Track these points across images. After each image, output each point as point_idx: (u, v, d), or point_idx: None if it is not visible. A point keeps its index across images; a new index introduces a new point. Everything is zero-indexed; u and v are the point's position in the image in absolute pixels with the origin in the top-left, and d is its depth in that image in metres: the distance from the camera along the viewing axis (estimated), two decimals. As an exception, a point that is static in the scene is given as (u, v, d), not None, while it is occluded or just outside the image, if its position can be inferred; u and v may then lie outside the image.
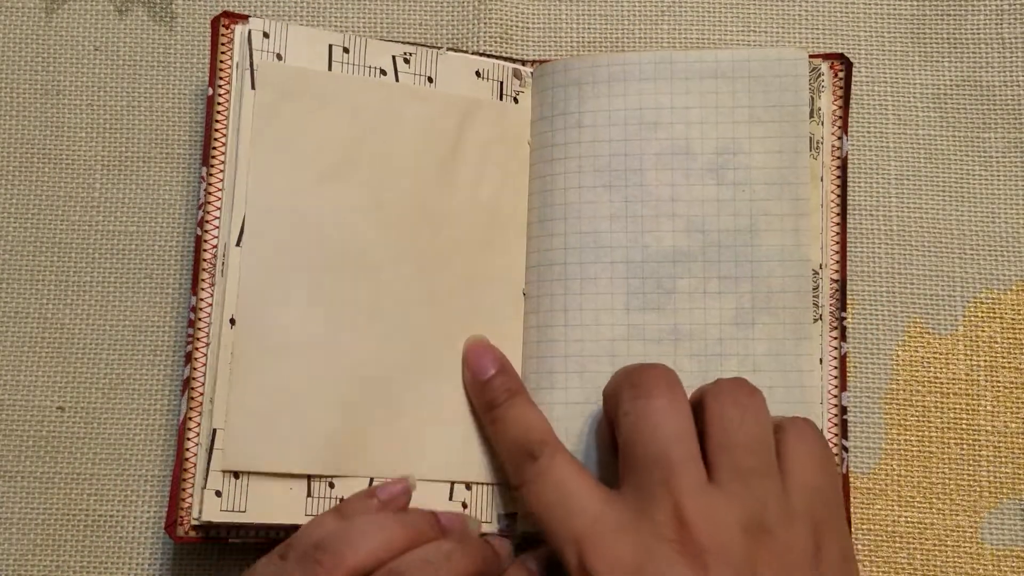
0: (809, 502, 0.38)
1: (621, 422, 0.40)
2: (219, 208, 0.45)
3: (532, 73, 0.48)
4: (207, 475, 0.43)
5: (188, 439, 0.44)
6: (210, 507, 0.43)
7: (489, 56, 0.48)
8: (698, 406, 0.40)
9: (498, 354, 0.45)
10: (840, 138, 0.46)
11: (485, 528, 0.45)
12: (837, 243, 0.46)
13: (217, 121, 0.45)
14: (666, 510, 0.37)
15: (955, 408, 0.47)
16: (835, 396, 0.45)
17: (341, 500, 0.44)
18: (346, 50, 0.46)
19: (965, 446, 0.47)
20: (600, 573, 0.37)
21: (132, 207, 0.49)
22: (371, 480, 0.44)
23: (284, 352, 0.44)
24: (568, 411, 0.45)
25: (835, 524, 0.39)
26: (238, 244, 0.44)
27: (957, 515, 0.46)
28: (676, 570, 0.36)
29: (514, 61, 0.49)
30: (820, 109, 0.46)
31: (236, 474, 0.43)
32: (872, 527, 0.46)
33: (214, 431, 0.43)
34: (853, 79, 0.48)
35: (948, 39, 0.50)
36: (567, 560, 0.38)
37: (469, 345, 0.46)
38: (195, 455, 0.44)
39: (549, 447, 0.42)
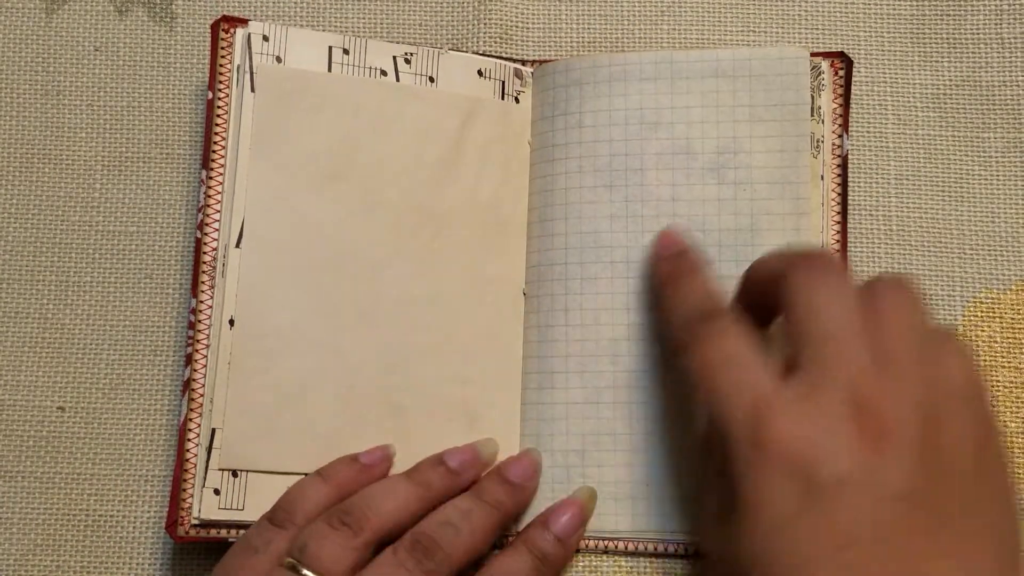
0: (967, 396, 0.37)
1: (793, 301, 0.38)
2: (219, 211, 0.45)
3: (533, 73, 0.48)
4: (206, 474, 0.43)
5: (189, 440, 0.44)
6: (208, 505, 0.43)
7: (489, 56, 0.49)
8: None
9: (680, 237, 0.45)
10: (840, 136, 0.46)
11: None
12: (838, 242, 0.46)
13: (217, 125, 0.45)
14: (844, 390, 0.36)
15: (955, 408, 0.47)
16: (835, 395, 0.45)
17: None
18: (346, 51, 0.47)
19: (965, 446, 0.47)
20: (778, 445, 0.35)
21: (132, 207, 0.49)
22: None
23: (283, 352, 0.44)
24: (569, 411, 0.45)
25: (991, 421, 0.38)
26: (237, 246, 0.44)
27: (957, 515, 0.46)
28: (854, 447, 0.35)
29: (514, 61, 0.49)
30: (820, 108, 0.46)
31: (235, 473, 0.44)
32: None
33: (213, 431, 0.44)
34: (853, 79, 0.48)
35: (948, 39, 0.50)
36: (735, 425, 0.37)
37: (662, 231, 0.45)
38: (196, 456, 0.44)
39: (730, 316, 0.40)
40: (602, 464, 0.45)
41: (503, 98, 0.48)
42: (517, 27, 0.50)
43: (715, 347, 0.39)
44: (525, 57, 0.50)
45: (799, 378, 0.37)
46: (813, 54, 0.46)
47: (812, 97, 0.46)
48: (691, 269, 0.43)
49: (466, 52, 0.49)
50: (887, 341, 0.37)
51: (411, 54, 0.47)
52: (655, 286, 0.45)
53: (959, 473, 0.36)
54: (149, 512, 0.46)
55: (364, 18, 0.50)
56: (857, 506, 0.34)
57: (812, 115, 0.46)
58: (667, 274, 0.44)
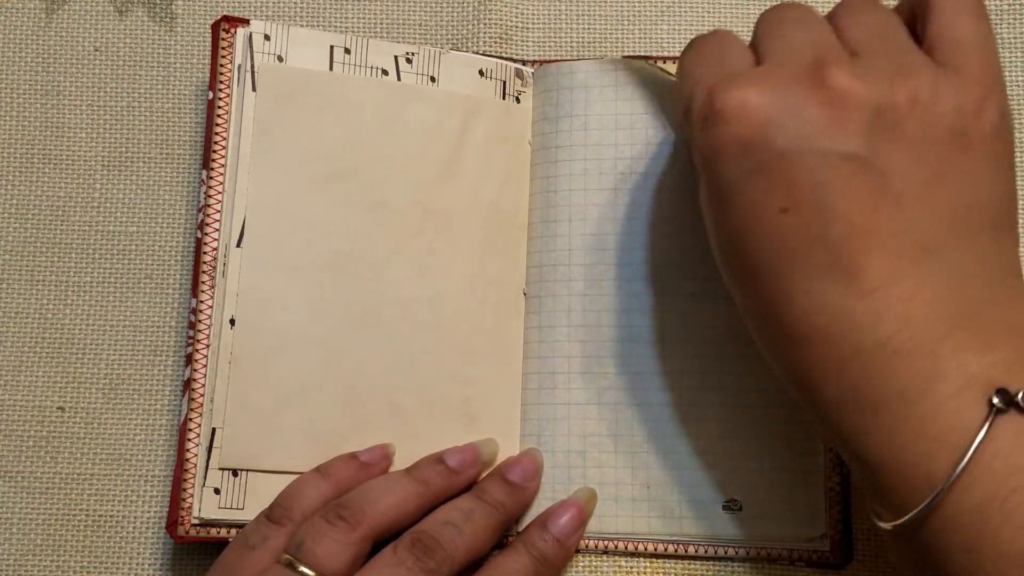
0: (967, 59, 0.36)
1: (760, 32, 0.38)
2: (219, 211, 0.45)
3: (533, 73, 0.48)
4: (206, 473, 0.43)
5: (189, 440, 0.44)
6: (208, 505, 0.43)
7: (490, 57, 0.49)
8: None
9: None
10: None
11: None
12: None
13: (217, 124, 0.45)
14: (806, 64, 0.35)
15: (954, 408, 0.47)
16: (836, 396, 0.45)
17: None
18: (347, 51, 0.47)
19: (964, 446, 0.47)
20: (729, 112, 0.35)
21: (132, 207, 0.49)
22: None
23: (283, 352, 0.44)
24: (570, 412, 0.45)
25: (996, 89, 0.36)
26: (239, 245, 0.44)
27: (956, 515, 0.46)
28: (807, 111, 0.34)
29: (514, 61, 0.49)
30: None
31: (235, 472, 0.44)
32: (872, 527, 0.46)
33: (213, 430, 0.44)
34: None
35: (947, 40, 0.50)
36: (696, 102, 0.36)
37: None
38: (196, 456, 0.44)
39: (726, 30, 0.40)
40: (602, 465, 0.45)
41: (504, 98, 0.48)
42: (517, 27, 0.50)
43: (703, 44, 0.39)
44: (525, 57, 0.50)
45: (766, 61, 0.36)
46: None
47: None
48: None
49: (466, 52, 0.49)
50: (856, 29, 0.37)
51: (412, 54, 0.47)
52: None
53: (926, 145, 0.34)
54: (149, 512, 0.46)
55: (364, 18, 0.50)
56: (802, 166, 0.34)
57: None
58: None
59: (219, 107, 0.46)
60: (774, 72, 0.35)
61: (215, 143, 0.45)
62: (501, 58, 0.49)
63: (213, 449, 0.44)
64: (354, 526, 0.40)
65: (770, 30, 0.38)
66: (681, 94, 0.38)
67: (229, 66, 0.46)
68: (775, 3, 0.50)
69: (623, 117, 0.46)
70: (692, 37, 0.40)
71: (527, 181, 0.48)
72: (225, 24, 0.46)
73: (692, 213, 0.46)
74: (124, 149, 0.49)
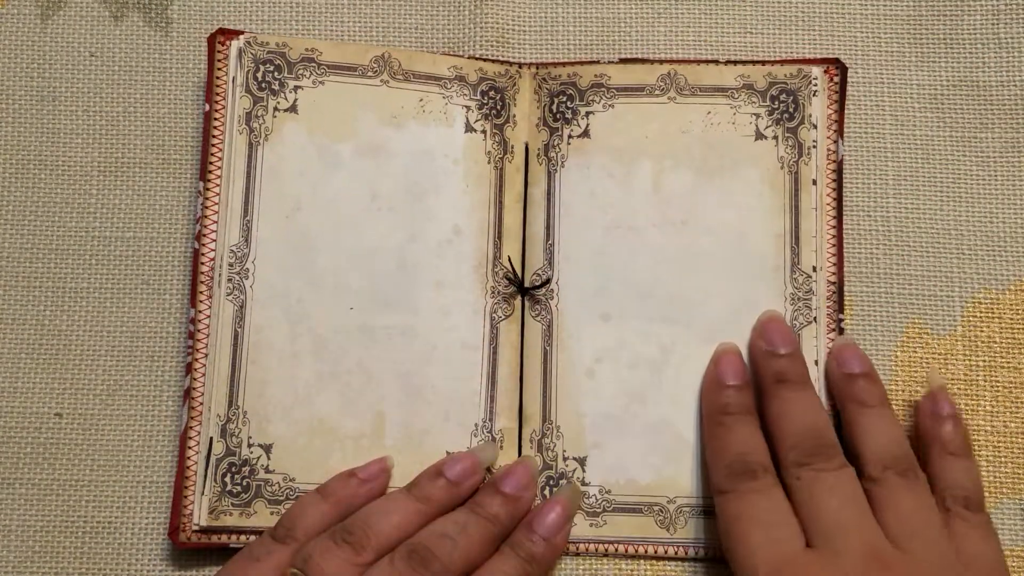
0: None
1: (796, 487, 0.42)
2: (216, 222, 0.45)
3: (533, 74, 0.48)
4: (205, 481, 0.43)
5: (189, 448, 0.44)
6: (209, 512, 0.43)
7: (485, 60, 0.48)
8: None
9: (743, 368, 0.45)
10: (836, 142, 0.46)
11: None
12: (833, 245, 0.46)
13: (214, 136, 0.45)
14: (861, 557, 0.39)
15: (954, 408, 0.47)
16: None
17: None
18: None
19: (964, 446, 0.47)
20: None
21: (129, 213, 0.49)
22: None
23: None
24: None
25: None
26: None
27: (957, 515, 0.46)
28: None
29: (510, 64, 0.49)
30: (812, 114, 0.46)
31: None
32: (872, 528, 0.46)
33: (211, 439, 0.44)
34: (849, 80, 0.48)
35: (944, 39, 0.49)
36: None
37: (720, 350, 0.46)
38: (196, 464, 0.44)
39: (771, 475, 0.42)
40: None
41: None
42: (513, 30, 0.50)
43: (750, 504, 0.41)
44: (522, 60, 0.50)
45: (821, 555, 0.40)
46: (806, 60, 0.47)
47: (803, 103, 0.46)
48: (747, 411, 0.44)
49: (463, 56, 0.48)
50: (899, 523, 0.41)
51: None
52: (708, 411, 0.44)
53: None
54: (147, 519, 0.46)
55: (360, 22, 0.50)
56: None
57: (803, 121, 0.46)
58: (718, 407, 0.44)
59: (215, 119, 0.46)
60: (836, 562, 0.39)
61: (211, 155, 0.45)
62: (496, 62, 0.48)
63: (212, 457, 0.44)
64: (359, 551, 0.40)
65: (815, 507, 0.41)
66: (730, 546, 0.41)
67: (225, 77, 0.46)
68: (772, 9, 0.50)
69: None
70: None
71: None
72: (220, 37, 0.46)
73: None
74: (120, 154, 0.49)
